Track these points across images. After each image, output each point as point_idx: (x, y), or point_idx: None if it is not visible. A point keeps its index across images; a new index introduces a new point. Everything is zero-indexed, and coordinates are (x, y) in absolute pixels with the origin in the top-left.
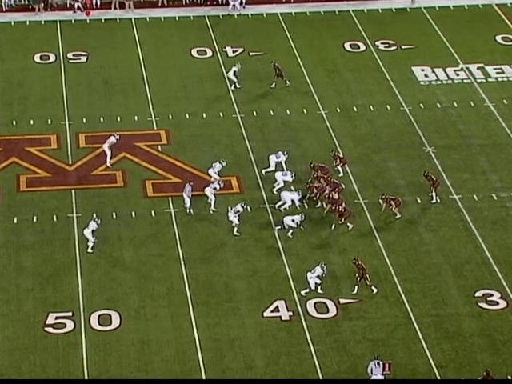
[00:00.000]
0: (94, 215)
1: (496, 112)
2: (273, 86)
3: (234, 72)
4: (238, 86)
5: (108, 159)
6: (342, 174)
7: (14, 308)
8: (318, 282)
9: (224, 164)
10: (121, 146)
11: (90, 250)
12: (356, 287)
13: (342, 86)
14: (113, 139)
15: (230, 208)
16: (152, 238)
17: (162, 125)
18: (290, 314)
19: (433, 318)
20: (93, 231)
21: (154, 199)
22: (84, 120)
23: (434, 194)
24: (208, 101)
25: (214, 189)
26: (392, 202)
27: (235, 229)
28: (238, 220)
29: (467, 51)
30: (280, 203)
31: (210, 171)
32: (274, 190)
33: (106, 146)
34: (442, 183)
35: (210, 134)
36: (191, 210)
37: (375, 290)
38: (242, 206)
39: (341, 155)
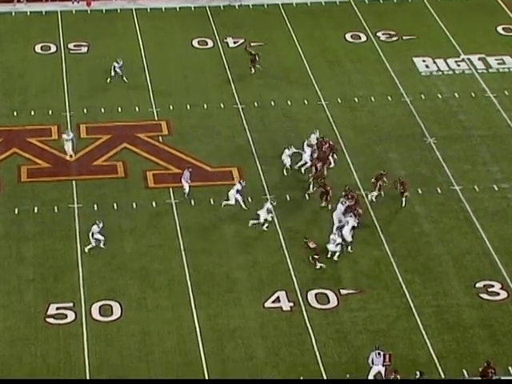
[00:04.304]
0: (97, 221)
1: (497, 103)
2: (253, 72)
3: (114, 67)
4: (124, 79)
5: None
6: (332, 165)
7: (14, 299)
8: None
9: (294, 150)
10: (122, 136)
11: (86, 249)
12: (318, 264)
13: (343, 76)
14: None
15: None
16: (153, 229)
17: (162, 115)
18: (291, 304)
19: (433, 308)
20: (92, 234)
21: (154, 190)
22: (85, 111)
23: (403, 199)
24: (209, 91)
25: (238, 191)
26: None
27: (265, 225)
28: (271, 217)
29: (468, 42)
30: (300, 163)
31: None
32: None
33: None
34: (438, 176)
35: (210, 124)
36: (191, 199)
37: (319, 266)
38: (271, 203)
39: (331, 142)
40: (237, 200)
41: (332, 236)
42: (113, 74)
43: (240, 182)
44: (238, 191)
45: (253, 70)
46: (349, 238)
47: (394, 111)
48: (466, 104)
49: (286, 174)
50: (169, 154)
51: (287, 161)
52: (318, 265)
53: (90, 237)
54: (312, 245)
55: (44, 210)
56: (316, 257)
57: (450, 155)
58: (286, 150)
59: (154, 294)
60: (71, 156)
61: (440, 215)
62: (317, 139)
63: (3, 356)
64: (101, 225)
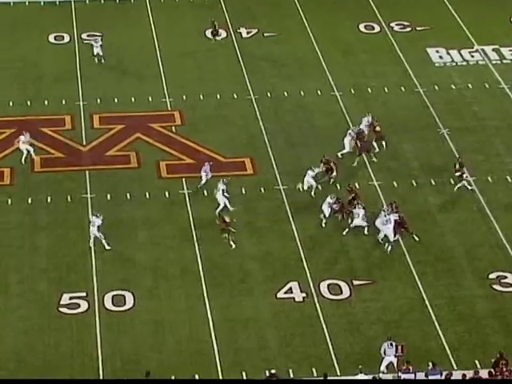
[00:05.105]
0: (96, 213)
1: (511, 94)
2: (213, 41)
3: (92, 46)
4: (102, 61)
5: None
6: (377, 150)
7: (28, 288)
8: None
9: (316, 171)
10: (135, 126)
11: (107, 247)
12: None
13: (357, 67)
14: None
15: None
16: (166, 219)
17: (176, 106)
18: (304, 295)
19: (446, 300)
20: (98, 227)
21: (167, 180)
22: (98, 101)
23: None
24: (222, 82)
25: (222, 190)
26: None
27: (323, 221)
28: (330, 212)
29: (482, 33)
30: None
31: (307, 176)
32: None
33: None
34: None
35: (224, 114)
36: (203, 190)
37: (233, 245)
38: (332, 198)
39: (377, 128)
40: (224, 201)
41: (354, 210)
42: (95, 53)
43: (223, 181)
44: (222, 191)
45: (213, 41)
46: (392, 237)
47: (407, 102)
48: (480, 95)
49: (313, 194)
50: (182, 144)
51: (309, 181)
52: (232, 242)
53: (96, 232)
54: (227, 219)
55: (57, 199)
56: (231, 230)
57: (464, 146)
58: (310, 172)
59: (166, 284)
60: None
61: (453, 206)
62: (358, 128)
63: (17, 345)
64: (101, 217)
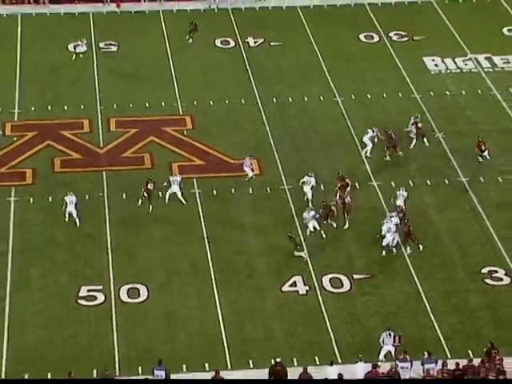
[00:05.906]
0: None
1: (502, 100)
2: (190, 41)
3: (77, 45)
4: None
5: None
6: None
7: (51, 281)
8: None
9: (312, 177)
10: (149, 130)
11: (78, 223)
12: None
13: (357, 74)
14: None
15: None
16: (177, 217)
17: (187, 110)
18: (307, 288)
19: (441, 293)
20: (75, 204)
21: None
22: (115, 106)
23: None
24: (230, 88)
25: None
26: None
27: (317, 231)
28: (318, 225)
29: (475, 42)
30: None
31: (305, 188)
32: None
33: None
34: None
35: (232, 119)
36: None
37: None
38: (313, 210)
39: (419, 125)
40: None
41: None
42: (77, 51)
43: (176, 174)
44: (178, 182)
45: (190, 40)
46: (392, 243)
47: (404, 107)
48: (473, 101)
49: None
50: (193, 146)
51: (308, 193)
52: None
53: (74, 209)
54: (150, 186)
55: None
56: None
57: (458, 149)
58: (306, 177)
59: (178, 279)
60: None
61: (447, 205)
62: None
63: (37, 338)
64: (73, 197)
